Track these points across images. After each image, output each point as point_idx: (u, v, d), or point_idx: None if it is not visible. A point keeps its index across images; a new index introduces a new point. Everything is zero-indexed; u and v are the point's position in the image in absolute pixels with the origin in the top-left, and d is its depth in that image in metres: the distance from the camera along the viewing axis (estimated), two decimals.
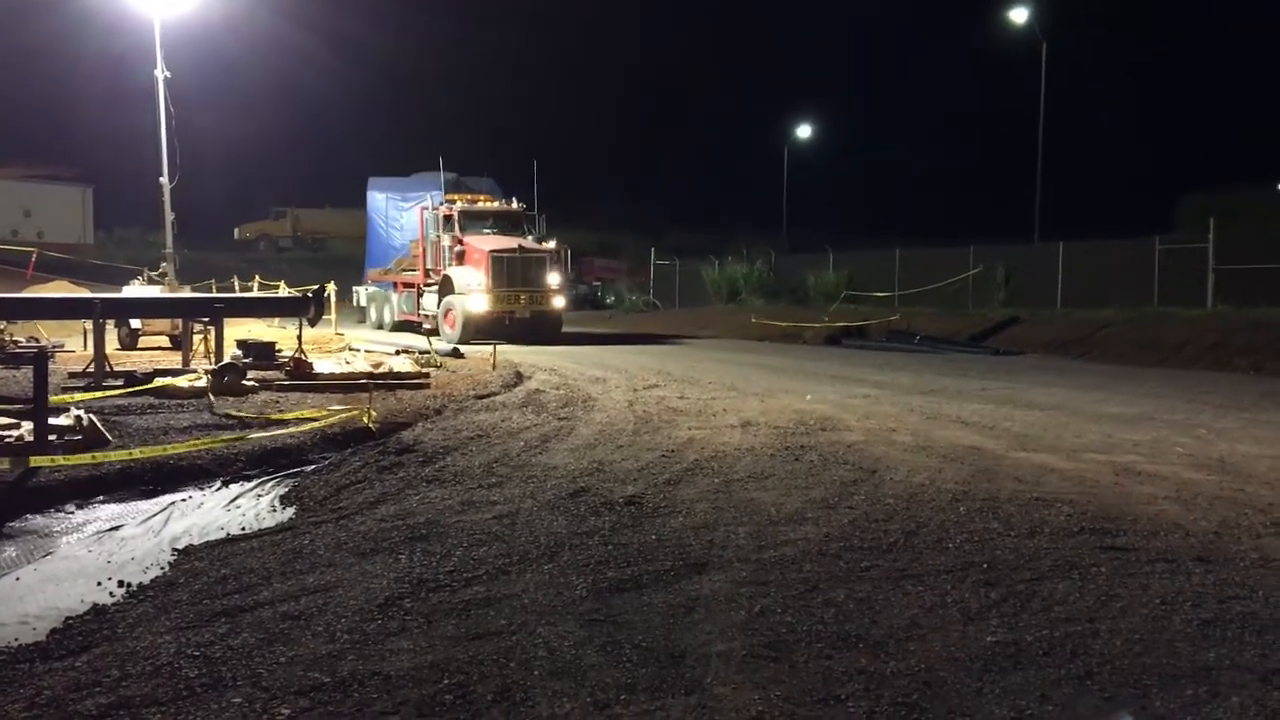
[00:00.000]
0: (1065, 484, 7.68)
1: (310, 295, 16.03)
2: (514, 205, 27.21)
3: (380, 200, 33.24)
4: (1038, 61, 33.24)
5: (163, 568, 6.00)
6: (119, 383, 12.71)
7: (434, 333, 24.37)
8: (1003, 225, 38.25)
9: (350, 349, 19.33)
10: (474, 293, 23.98)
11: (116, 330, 19.81)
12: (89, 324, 14.73)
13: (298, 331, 15.96)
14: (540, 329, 24.84)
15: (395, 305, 29.18)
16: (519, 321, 24.65)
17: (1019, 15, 33.89)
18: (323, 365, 15.08)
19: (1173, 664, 4.19)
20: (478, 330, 23.85)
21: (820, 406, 12.17)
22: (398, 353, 18.12)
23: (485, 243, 24.76)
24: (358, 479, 8.16)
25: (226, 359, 14.09)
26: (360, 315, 33.38)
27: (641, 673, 4.11)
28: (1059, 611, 4.81)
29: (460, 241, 25.20)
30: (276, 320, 24.58)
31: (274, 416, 10.83)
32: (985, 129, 64.18)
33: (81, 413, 9.48)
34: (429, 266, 26.42)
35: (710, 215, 58.51)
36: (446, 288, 24.99)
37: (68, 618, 4.98)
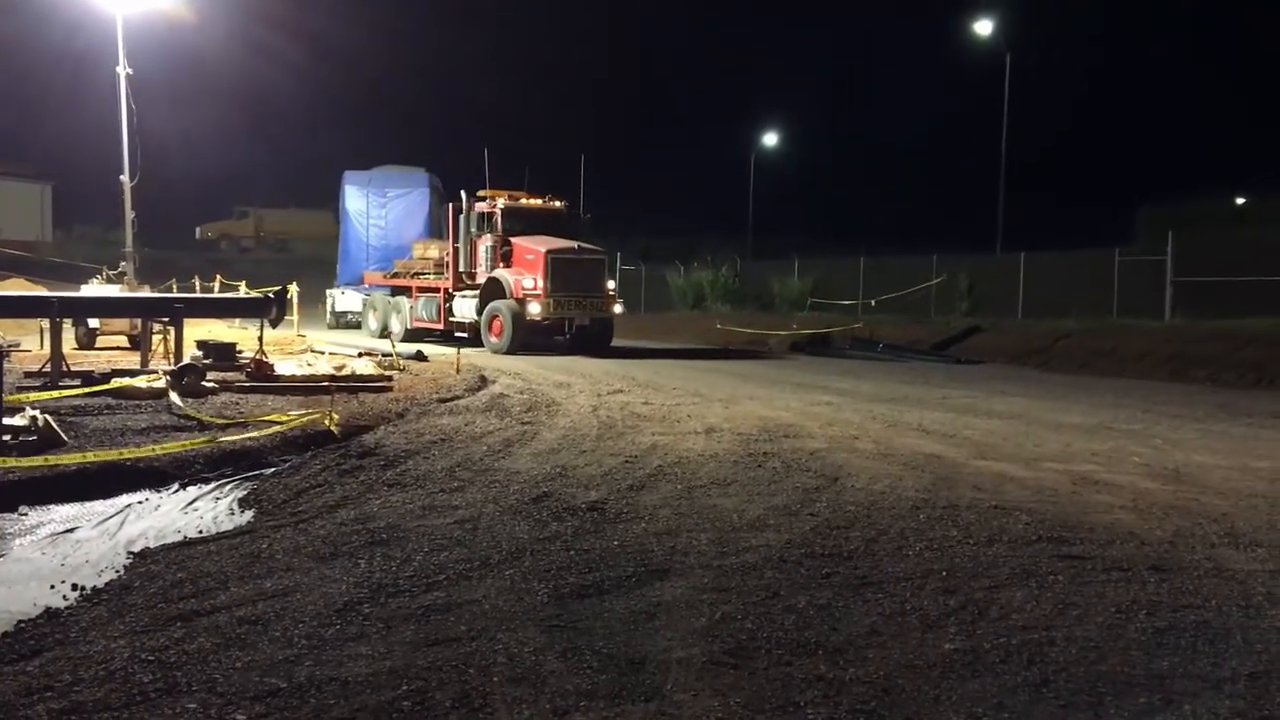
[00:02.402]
0: (1024, 492, 7.75)
1: (272, 296, 15.89)
2: (557, 204, 25.06)
3: (358, 196, 31.45)
4: (1001, 73, 33.59)
5: (118, 571, 5.92)
6: (76, 383, 12.55)
7: (474, 342, 23.07)
8: (966, 235, 38.62)
9: (312, 351, 19.19)
10: (529, 298, 22.09)
11: (74, 329, 19.56)
12: (46, 323, 14.52)
13: (259, 333, 15.82)
14: (593, 338, 23.29)
15: (408, 312, 26.49)
16: (576, 329, 23.28)
17: (984, 28, 34.25)
18: (284, 367, 14.96)
19: (1127, 672, 4.24)
20: (529, 338, 22.34)
21: (783, 413, 12.22)
22: (360, 355, 18.02)
23: (540, 243, 22.73)
24: (318, 482, 8.08)
25: (186, 360, 13.94)
26: (335, 320, 32.22)
27: (601, 679, 4.10)
28: (1016, 619, 4.86)
29: (507, 242, 23.21)
30: (237, 321, 24.34)
31: (234, 419, 10.72)
32: (949, 139, 64.81)
33: (37, 413, 9.34)
34: (463, 269, 24.40)
35: (676, 220, 58.62)
36: (492, 292, 23.03)
37: (19, 621, 4.88)
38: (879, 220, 54.05)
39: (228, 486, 8.39)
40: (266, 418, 10.70)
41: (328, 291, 33.26)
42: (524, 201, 24.50)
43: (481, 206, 23.99)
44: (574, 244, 23.07)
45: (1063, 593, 5.26)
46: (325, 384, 13.30)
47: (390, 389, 13.78)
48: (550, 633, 4.61)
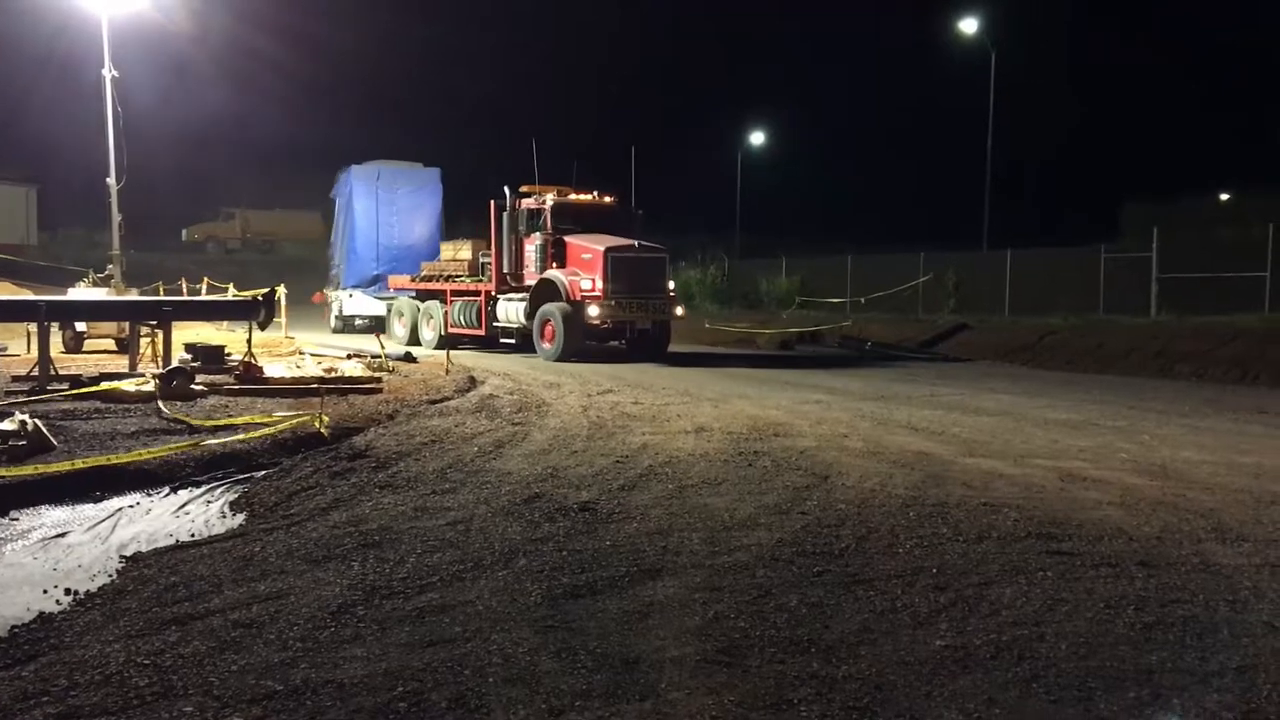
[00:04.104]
0: (1013, 489, 7.80)
1: (260, 298, 15.87)
2: (608, 199, 23.10)
3: (366, 193, 29.47)
4: (987, 71, 33.71)
5: (111, 575, 5.92)
6: (65, 387, 12.51)
7: (521, 348, 21.99)
8: (952, 233, 38.74)
9: (300, 353, 19.16)
10: (588, 299, 20.37)
11: (61, 333, 19.50)
12: (33, 326, 14.47)
13: (247, 335, 15.80)
14: (652, 343, 21.59)
15: (440, 317, 24.60)
16: (636, 334, 21.41)
17: (969, 26, 34.37)
18: (273, 369, 14.94)
19: (1116, 667, 4.29)
20: (584, 343, 20.76)
21: (773, 412, 12.25)
22: (349, 357, 18.00)
23: (598, 241, 20.89)
24: (309, 485, 8.09)
25: (175, 363, 13.91)
26: (341, 324, 30.54)
27: (596, 679, 4.13)
28: (1006, 615, 4.90)
29: (559, 241, 21.44)
30: (225, 323, 24.27)
31: (223, 421, 10.70)
32: (935, 137, 64.96)
33: (26, 417, 9.32)
34: (507, 270, 22.50)
35: (663, 218, 58.57)
36: (544, 294, 21.23)
37: (13, 626, 4.88)
38: (866, 218, 54.22)
39: (218, 490, 8.38)
40: (256, 420, 10.69)
41: (332, 294, 31.62)
42: (573, 197, 22.58)
43: (528, 203, 22.19)
44: (633, 241, 21.25)
45: (1052, 589, 5.31)
46: (314, 386, 13.29)
47: (380, 391, 13.77)
48: (544, 633, 4.64)
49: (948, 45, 39.00)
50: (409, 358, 18.92)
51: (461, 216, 31.95)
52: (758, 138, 50.92)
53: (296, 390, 13.30)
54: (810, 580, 5.46)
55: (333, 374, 14.85)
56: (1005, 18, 37.80)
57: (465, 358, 20.24)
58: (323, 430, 10.29)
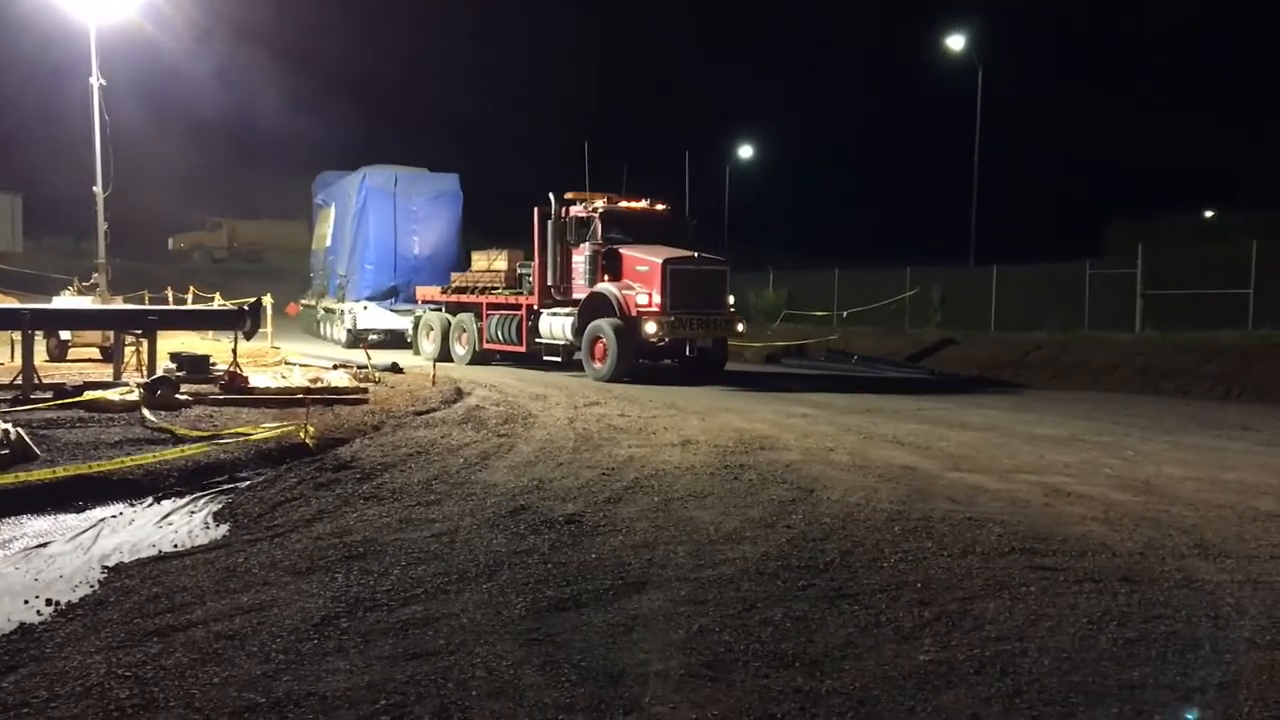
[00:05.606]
0: (997, 504, 7.83)
1: (245, 308, 15.82)
2: (660, 207, 21.51)
3: (383, 198, 28.12)
4: (974, 87, 33.87)
5: (92, 586, 5.89)
6: (48, 396, 12.45)
7: (568, 366, 20.73)
8: (939, 248, 38.85)
9: (286, 363, 19.11)
10: (644, 315, 18.80)
11: (45, 341, 19.39)
12: (17, 335, 14.40)
13: (233, 345, 15.75)
14: (707, 363, 20.13)
15: (475, 332, 22.88)
16: (696, 351, 19.78)
17: (956, 42, 34.56)
18: (258, 379, 14.89)
19: (1099, 683, 4.30)
20: (637, 362, 19.36)
21: (759, 425, 12.26)
22: (335, 367, 17.96)
23: (655, 253, 19.36)
24: (294, 496, 8.06)
25: (159, 372, 13.85)
26: (353, 339, 28.21)
27: (580, 692, 4.12)
28: (990, 630, 4.91)
29: (612, 252, 19.75)
30: (211, 333, 24.16)
31: (208, 431, 10.66)
32: (922, 151, 65.20)
33: (9, 426, 9.26)
34: (551, 283, 20.87)
35: None
36: (594, 309, 19.68)
37: None
38: (853, 232, 54.30)
39: (202, 500, 8.34)
40: (240, 430, 10.65)
41: (342, 306, 29.80)
42: (624, 205, 20.99)
43: (576, 211, 20.56)
44: (692, 253, 19.76)
45: (1035, 604, 5.33)
46: (300, 396, 13.25)
47: (366, 401, 13.74)
48: (528, 646, 4.63)
49: (936, 60, 39.17)
50: (395, 368, 18.88)
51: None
52: (746, 151, 51.04)
53: (282, 400, 13.26)
54: (795, 594, 5.47)
55: (318, 384, 14.80)
56: (993, 32, 38.11)
57: (480, 373, 20.20)
58: (308, 441, 10.26)
